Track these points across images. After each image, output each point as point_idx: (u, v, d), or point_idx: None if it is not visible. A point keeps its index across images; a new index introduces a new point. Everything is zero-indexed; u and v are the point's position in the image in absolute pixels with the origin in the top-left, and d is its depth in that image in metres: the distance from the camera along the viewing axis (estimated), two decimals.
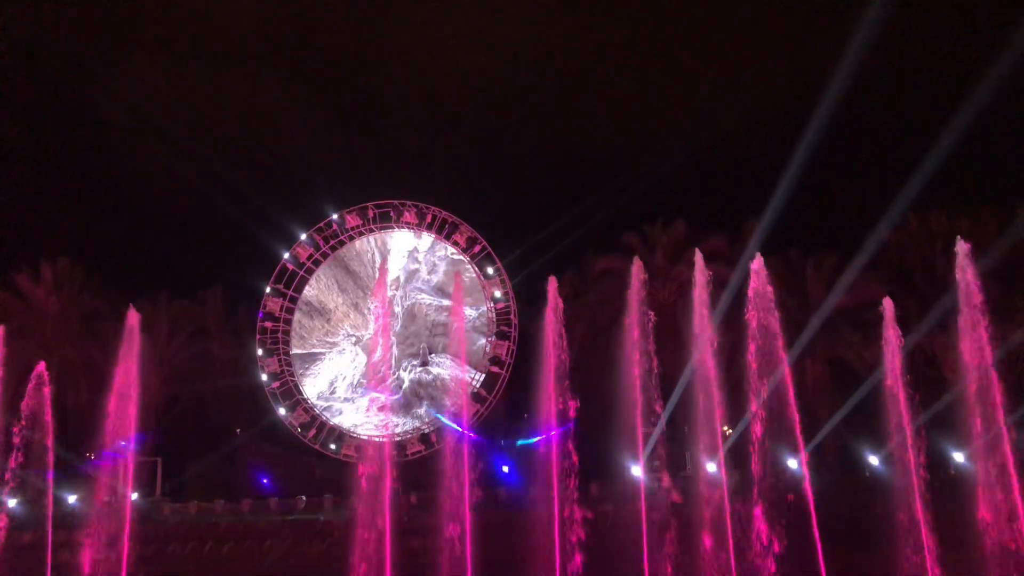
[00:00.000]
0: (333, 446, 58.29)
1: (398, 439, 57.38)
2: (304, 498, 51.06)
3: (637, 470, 32.37)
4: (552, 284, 34.25)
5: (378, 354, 53.69)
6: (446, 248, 61.85)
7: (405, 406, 59.84)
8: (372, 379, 55.94)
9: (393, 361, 59.98)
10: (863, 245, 51.09)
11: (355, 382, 60.73)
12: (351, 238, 61.77)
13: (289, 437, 59.29)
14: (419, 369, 60.86)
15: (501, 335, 60.01)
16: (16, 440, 32.17)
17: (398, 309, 61.53)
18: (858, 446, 51.36)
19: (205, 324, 66.08)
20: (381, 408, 56.71)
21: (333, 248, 61.62)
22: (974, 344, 29.00)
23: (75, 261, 61.45)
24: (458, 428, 41.29)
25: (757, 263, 30.95)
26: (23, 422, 31.95)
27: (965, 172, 62.72)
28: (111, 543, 31.83)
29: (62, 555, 33.18)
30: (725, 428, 30.44)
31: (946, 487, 29.14)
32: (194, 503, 51.64)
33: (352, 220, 61.37)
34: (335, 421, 59.78)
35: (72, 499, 47.00)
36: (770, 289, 30.32)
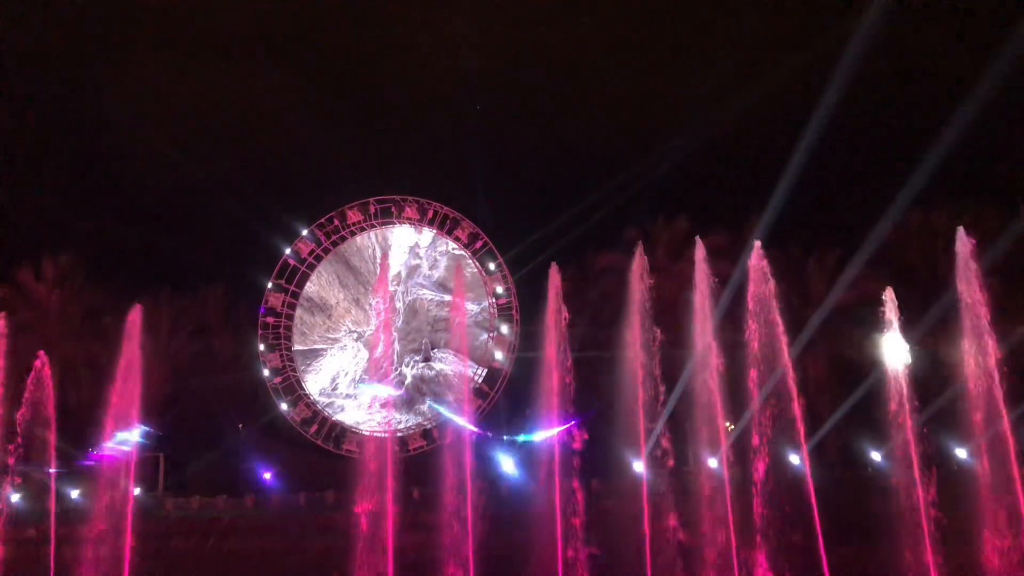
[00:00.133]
0: (335, 442, 58.39)
1: (400, 435, 57.46)
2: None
3: (639, 466, 32.37)
4: (554, 271, 34.27)
5: (380, 350, 53.77)
6: (447, 243, 61.88)
7: (408, 402, 59.91)
8: (374, 375, 56.03)
9: (395, 357, 60.05)
10: (865, 242, 51.14)
11: (357, 378, 60.80)
12: (352, 234, 61.81)
13: (291, 432, 59.38)
14: (421, 365, 60.91)
15: (503, 330, 60.10)
16: (18, 435, 32.21)
17: (399, 305, 61.57)
18: (860, 442, 51.45)
19: (207, 320, 66.13)
20: (384, 405, 56.77)
21: (335, 244, 61.66)
22: (976, 339, 29.01)
23: (77, 257, 61.46)
24: (460, 421, 41.30)
25: (756, 251, 30.93)
26: (24, 415, 31.98)
27: (967, 169, 62.71)
28: (113, 538, 31.89)
29: (64, 550, 33.18)
30: (727, 424, 30.46)
31: (948, 483, 29.09)
32: (196, 498, 51.72)
33: (353, 216, 61.40)
34: (338, 418, 59.86)
35: (74, 494, 47.07)
36: (769, 277, 30.29)
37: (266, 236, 63.86)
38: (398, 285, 61.59)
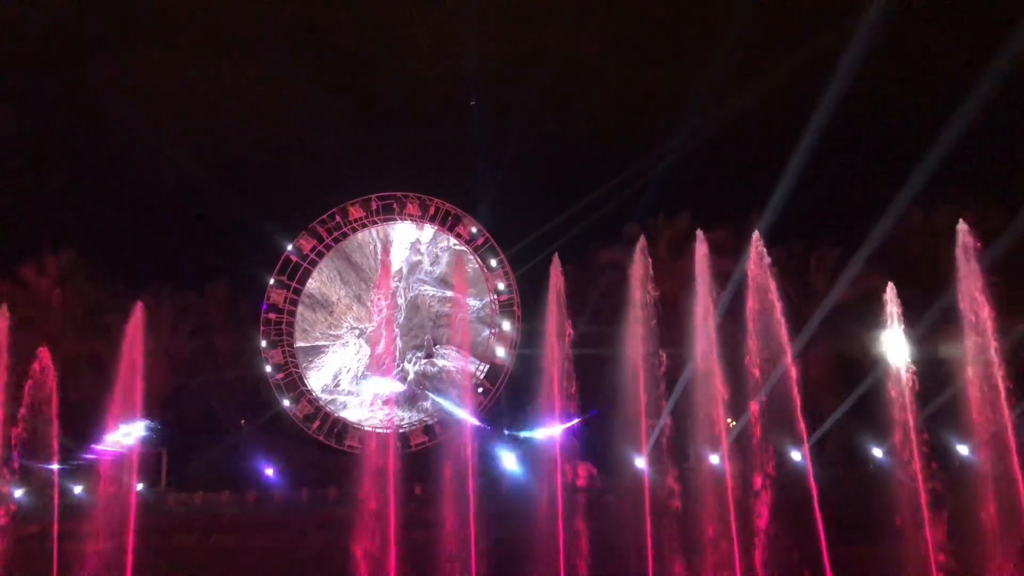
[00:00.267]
0: (337, 438, 58.49)
1: (402, 430, 57.55)
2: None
3: (640, 462, 32.38)
4: (555, 263, 34.26)
5: (382, 346, 53.84)
6: (448, 239, 61.91)
7: (410, 399, 59.97)
8: (376, 371, 56.11)
9: (397, 353, 60.11)
10: (867, 238, 51.11)
11: (359, 374, 60.88)
12: (354, 230, 61.86)
13: (293, 429, 59.48)
14: (424, 361, 60.96)
15: (504, 327, 60.14)
16: (21, 430, 32.27)
17: (401, 301, 61.62)
18: (861, 439, 51.45)
19: (209, 317, 66.21)
20: (386, 402, 56.84)
21: (336, 240, 61.71)
22: (977, 335, 28.99)
23: (79, 253, 61.58)
24: (462, 414, 41.31)
25: (755, 242, 30.90)
26: (27, 411, 32.04)
27: (971, 165, 62.58)
28: (116, 534, 31.97)
29: (68, 546, 33.24)
30: (729, 421, 30.44)
31: (951, 480, 29.08)
32: (199, 494, 51.83)
33: (355, 212, 61.43)
34: (340, 415, 59.94)
35: (77, 490, 47.17)
36: (769, 269, 30.26)
37: (268, 233, 63.95)
38: (399, 281, 61.63)
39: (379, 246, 62.21)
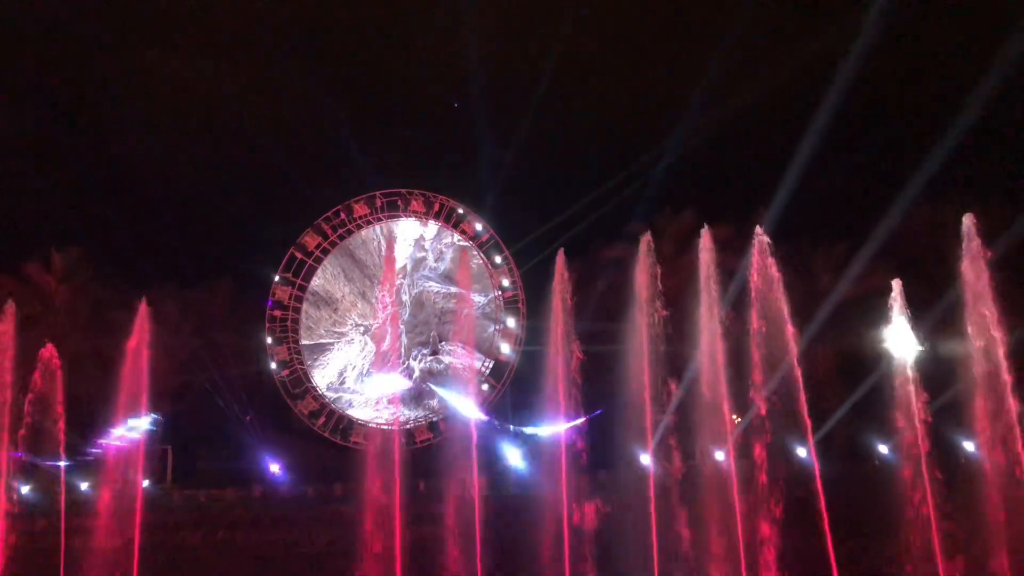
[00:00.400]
0: (342, 434, 58.59)
1: (407, 427, 57.64)
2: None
3: (646, 459, 32.36)
4: (560, 258, 34.22)
5: (387, 343, 53.88)
6: (452, 236, 61.95)
7: (416, 397, 60.02)
8: (381, 368, 56.20)
9: (402, 350, 60.16)
10: (872, 235, 51.04)
11: (365, 372, 60.95)
12: (359, 227, 61.91)
13: (298, 425, 59.60)
14: (430, 358, 61.01)
15: (509, 324, 60.16)
16: (28, 426, 32.38)
17: (406, 297, 61.68)
18: (867, 435, 51.40)
19: (214, 313, 66.30)
20: (391, 401, 56.95)
21: (341, 237, 61.77)
22: (982, 330, 28.92)
23: (85, 251, 61.73)
24: (468, 408, 41.32)
25: (759, 237, 30.85)
26: (33, 407, 32.15)
27: (976, 161, 62.40)
28: (122, 530, 32.09)
29: (75, 541, 33.37)
30: (734, 416, 30.41)
31: (956, 476, 29.03)
32: (204, 490, 51.96)
33: (360, 209, 61.48)
34: (345, 412, 60.04)
35: (84, 486, 47.34)
36: (773, 264, 30.21)
37: (273, 230, 64.05)
38: (404, 278, 61.69)
39: (383, 243, 62.25)
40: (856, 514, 32.00)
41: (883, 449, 51.02)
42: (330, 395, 60.32)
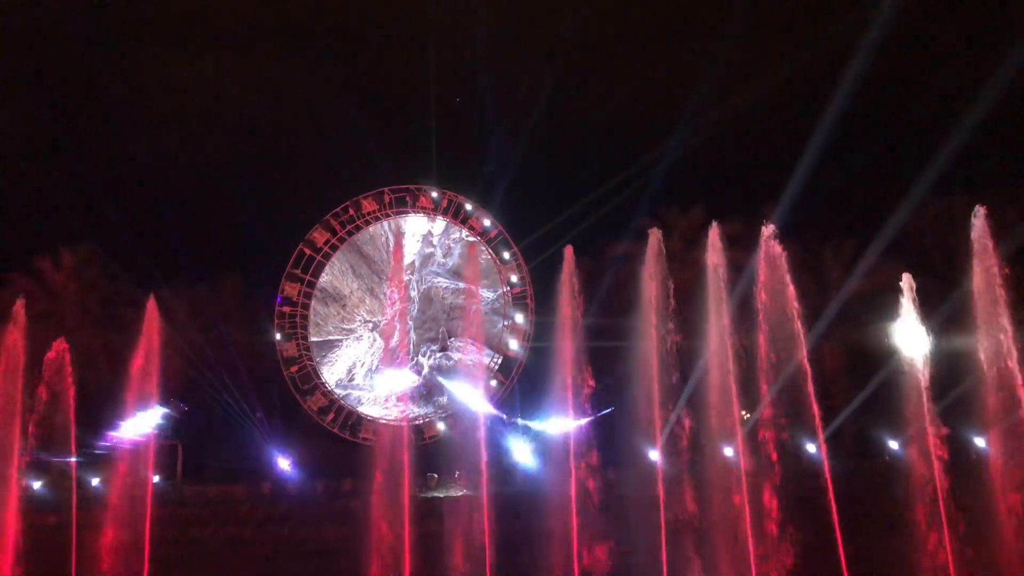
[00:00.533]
0: (351, 430, 58.71)
1: (416, 423, 57.74)
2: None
3: (654, 454, 32.35)
4: (568, 254, 34.17)
5: (395, 339, 53.98)
6: (461, 231, 61.92)
7: (426, 395, 60.06)
8: (390, 365, 56.29)
9: (411, 346, 60.20)
10: (881, 230, 50.77)
11: (374, 368, 61.00)
12: (367, 223, 61.91)
13: (308, 421, 59.73)
14: (439, 355, 61.03)
15: (517, 320, 60.16)
16: (38, 422, 32.57)
17: (414, 293, 61.68)
18: (877, 431, 51.20)
19: (223, 309, 66.45)
20: (400, 399, 57.02)
21: (350, 233, 61.78)
22: (993, 325, 28.79)
23: (94, 247, 61.94)
24: (477, 401, 41.28)
25: (767, 232, 30.77)
26: (44, 402, 32.33)
27: (988, 155, 62.00)
28: (133, 525, 32.29)
29: (86, 537, 33.57)
30: (743, 413, 30.36)
31: (966, 472, 28.93)
32: (214, 486, 52.10)
33: (368, 205, 61.52)
34: (354, 408, 60.12)
35: (95, 481, 47.56)
36: (783, 259, 30.12)
37: (282, 226, 64.08)
38: (412, 274, 61.69)
39: (391, 238, 62.23)
40: (866, 509, 31.95)
41: (893, 445, 50.81)
42: (339, 392, 60.41)
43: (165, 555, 32.80)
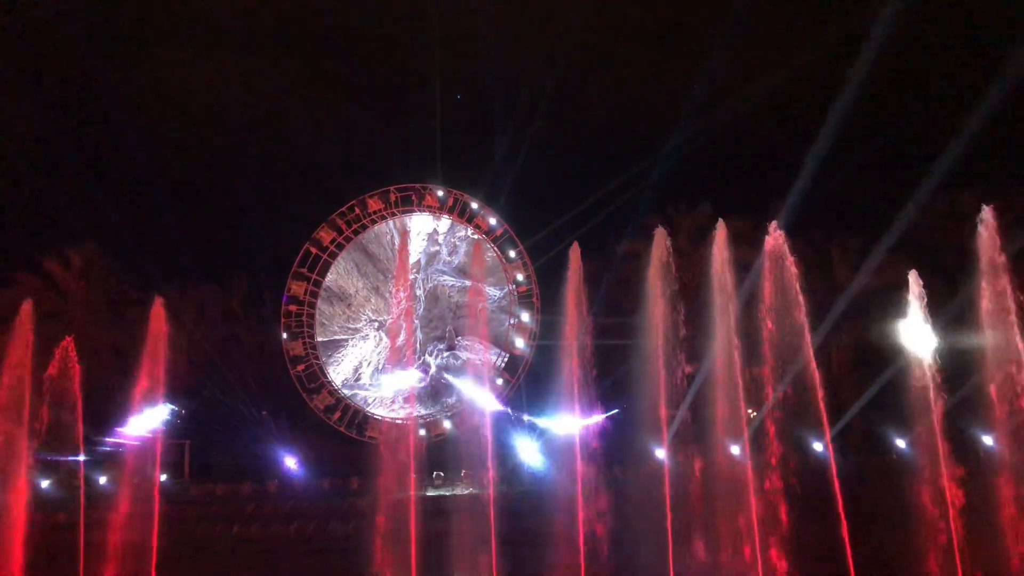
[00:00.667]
0: (358, 429, 58.78)
1: (422, 422, 57.79)
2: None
3: (661, 452, 32.30)
4: (575, 250, 34.08)
5: (402, 338, 53.98)
6: (466, 229, 61.92)
7: (433, 395, 60.04)
8: (396, 364, 56.32)
9: (418, 345, 60.22)
10: (890, 227, 50.60)
11: (380, 368, 61.04)
12: (373, 222, 62.00)
13: (314, 419, 59.86)
14: (446, 354, 61.02)
15: (523, 318, 60.14)
16: (46, 421, 32.65)
17: (420, 292, 61.71)
18: (884, 429, 51.09)
19: (230, 309, 66.67)
20: (407, 399, 57.08)
21: (356, 232, 61.87)
22: (1001, 322, 28.65)
23: (101, 247, 62.19)
24: (483, 397, 41.28)
25: (773, 231, 30.67)
26: (52, 401, 32.41)
27: (995, 151, 61.78)
28: (140, 524, 32.34)
29: (94, 535, 33.66)
30: (750, 411, 30.28)
31: (975, 470, 28.79)
32: (221, 484, 52.30)
33: (374, 204, 61.61)
34: (361, 408, 60.17)
35: (103, 480, 47.74)
36: (789, 257, 30.01)
37: (288, 225, 64.20)
38: (418, 272, 61.74)
39: (396, 236, 62.29)
40: (873, 507, 31.84)
41: (900, 443, 50.70)
42: (346, 392, 60.46)
43: (173, 553, 32.81)
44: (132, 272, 61.34)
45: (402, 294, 54.84)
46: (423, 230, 62.57)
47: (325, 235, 61.42)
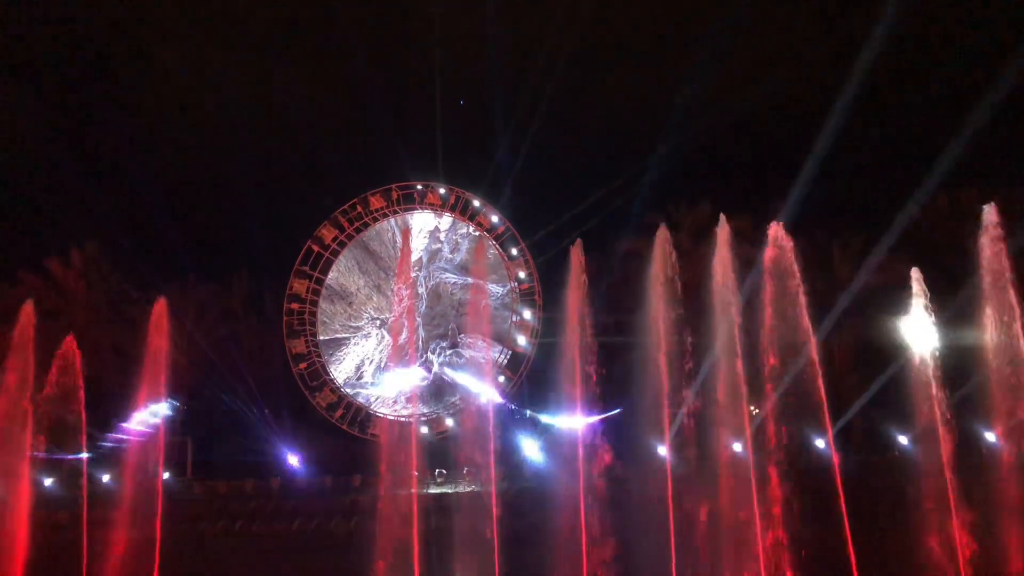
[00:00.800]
0: (360, 426, 58.82)
1: (424, 419, 57.82)
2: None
3: (663, 450, 32.33)
4: (577, 247, 34.05)
5: (404, 336, 53.96)
6: (468, 226, 61.91)
7: (436, 395, 60.03)
8: (398, 362, 56.33)
9: (420, 343, 60.21)
10: (891, 225, 50.56)
11: (383, 366, 61.01)
12: (375, 220, 61.98)
13: (317, 417, 59.90)
14: (449, 352, 60.99)
15: (525, 316, 60.15)
16: (48, 419, 32.70)
17: (422, 290, 61.68)
18: (887, 426, 51.09)
19: (232, 307, 66.71)
20: (409, 400, 57.10)
21: (358, 230, 61.84)
22: (1002, 319, 28.66)
23: (103, 244, 62.26)
24: (485, 391, 41.24)
25: (775, 229, 30.67)
26: (54, 399, 32.46)
27: (997, 149, 61.72)
28: (143, 522, 32.41)
29: (96, 534, 33.73)
30: (752, 408, 30.28)
31: (976, 467, 28.84)
32: (224, 482, 52.34)
33: (376, 202, 61.59)
34: (363, 405, 60.17)
35: (105, 478, 47.81)
36: (791, 255, 30.02)
37: (290, 223, 64.19)
38: (420, 270, 61.70)
39: (397, 234, 62.25)
40: (876, 505, 31.87)
41: (903, 440, 50.71)
42: (348, 391, 60.47)
43: (175, 551, 32.87)
44: (133, 271, 61.43)
45: (404, 291, 54.85)
46: (425, 227, 62.56)
47: (327, 233, 61.41)
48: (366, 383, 60.97)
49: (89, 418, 34.38)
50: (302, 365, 60.01)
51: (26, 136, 73.05)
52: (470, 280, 60.84)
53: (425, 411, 59.23)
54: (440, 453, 51.82)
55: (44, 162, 75.91)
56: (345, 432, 59.06)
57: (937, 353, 29.40)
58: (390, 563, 31.30)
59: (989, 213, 29.76)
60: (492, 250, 60.93)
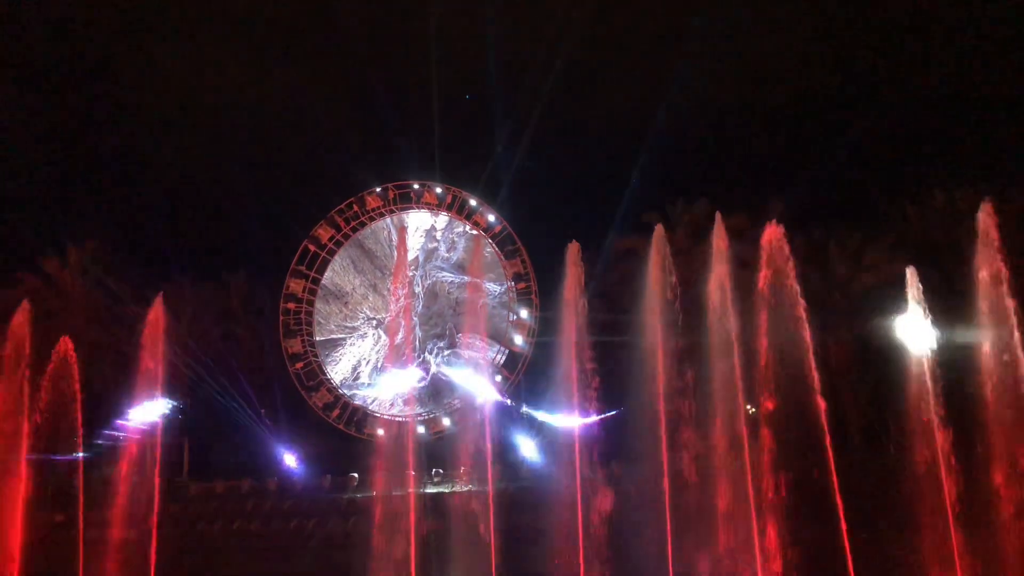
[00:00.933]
0: (357, 426, 58.78)
1: (421, 419, 57.79)
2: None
3: (660, 450, 32.31)
4: (573, 248, 34.04)
5: (400, 336, 53.93)
6: (464, 225, 61.87)
7: (434, 396, 59.95)
8: (395, 363, 56.31)
9: (417, 343, 60.16)
10: (888, 223, 50.68)
11: (380, 366, 60.94)
12: (372, 219, 61.91)
13: (314, 417, 59.85)
14: (447, 352, 60.91)
15: (522, 315, 60.15)
16: (45, 419, 32.67)
17: (418, 289, 61.60)
18: (883, 425, 51.12)
19: (229, 307, 66.62)
20: (407, 402, 57.06)
21: (354, 229, 61.79)
22: (997, 317, 28.70)
23: (101, 244, 62.11)
24: (483, 389, 41.21)
25: (771, 228, 30.69)
26: (51, 400, 32.43)
27: (993, 148, 61.80)
28: (140, 522, 32.39)
29: (93, 534, 33.70)
30: (748, 407, 30.31)
31: (974, 466, 28.86)
32: (221, 482, 52.33)
33: (373, 201, 61.53)
34: (360, 405, 60.11)
35: (102, 478, 47.75)
36: (787, 253, 30.03)
37: (287, 223, 64.14)
38: (416, 269, 61.63)
39: (393, 232, 62.15)
40: (872, 504, 31.91)
41: (899, 439, 50.72)
42: (345, 392, 60.38)
43: (172, 551, 32.88)
44: (131, 270, 61.33)
45: (401, 291, 54.78)
46: (421, 226, 62.50)
47: (323, 232, 61.35)
48: (363, 384, 60.90)
49: (86, 418, 34.34)
50: (299, 365, 59.97)
51: (26, 136, 72.95)
52: (467, 279, 60.77)
53: (422, 411, 59.19)
54: (437, 453, 51.84)
55: (43, 161, 75.81)
56: (342, 432, 59.02)
57: (933, 351, 29.44)
58: (387, 563, 31.30)
59: (986, 211, 29.76)
60: (489, 249, 60.89)
